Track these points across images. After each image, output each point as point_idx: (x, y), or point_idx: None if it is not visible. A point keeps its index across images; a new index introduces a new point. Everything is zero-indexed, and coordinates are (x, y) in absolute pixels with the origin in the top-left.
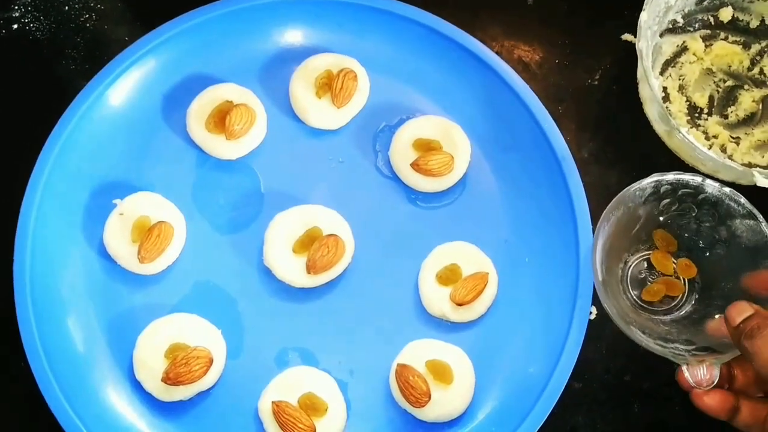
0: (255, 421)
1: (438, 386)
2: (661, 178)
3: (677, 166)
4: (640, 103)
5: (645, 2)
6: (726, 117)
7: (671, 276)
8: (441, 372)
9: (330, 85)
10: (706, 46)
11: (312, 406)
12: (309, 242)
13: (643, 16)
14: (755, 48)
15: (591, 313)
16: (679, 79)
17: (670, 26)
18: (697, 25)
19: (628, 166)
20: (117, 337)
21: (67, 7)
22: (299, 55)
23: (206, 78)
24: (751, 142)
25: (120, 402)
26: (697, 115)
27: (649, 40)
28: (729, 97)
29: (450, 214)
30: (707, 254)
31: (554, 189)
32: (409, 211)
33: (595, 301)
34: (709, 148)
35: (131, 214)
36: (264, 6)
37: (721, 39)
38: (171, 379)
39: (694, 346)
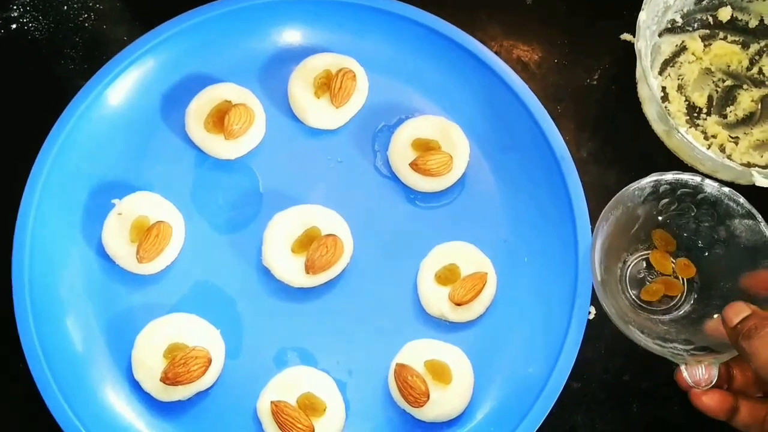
0: (254, 421)
1: (437, 386)
2: (660, 177)
3: (676, 165)
4: (639, 103)
5: (644, 2)
6: (725, 117)
7: (670, 276)
8: (440, 372)
9: (329, 85)
10: (705, 46)
11: (311, 406)
12: (308, 242)
13: (642, 16)
14: (754, 48)
15: (590, 312)
16: (678, 79)
17: (669, 26)
18: (696, 25)
19: (627, 165)
20: (116, 336)
21: (65, 7)
22: (298, 54)
23: (205, 78)
24: (750, 142)
25: (119, 402)
26: (696, 114)
27: (647, 40)
28: (728, 97)
29: (449, 213)
30: (706, 254)
31: (553, 189)
32: (408, 211)
33: (594, 300)
34: (708, 148)
35: (130, 213)
36: (263, 6)
37: (720, 39)
38: (170, 379)
39: (692, 346)
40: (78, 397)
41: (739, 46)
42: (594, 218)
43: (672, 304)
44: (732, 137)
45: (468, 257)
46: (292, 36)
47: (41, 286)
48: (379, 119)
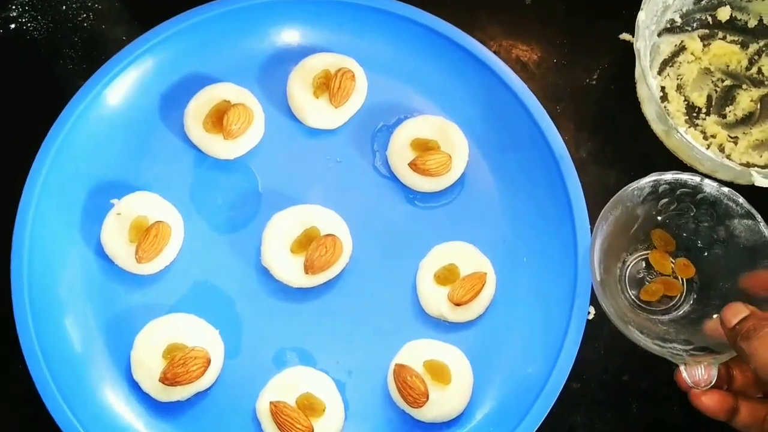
0: (253, 421)
1: (436, 386)
2: (659, 177)
3: (675, 165)
4: (638, 103)
5: (643, 2)
6: (724, 116)
7: (669, 276)
8: (439, 372)
9: (328, 85)
10: (704, 46)
11: (310, 406)
12: (307, 242)
13: (641, 16)
14: (753, 47)
15: (589, 313)
16: (677, 79)
17: (668, 26)
18: (695, 25)
19: (627, 165)
20: (115, 337)
21: (64, 7)
22: (297, 54)
23: (204, 77)
24: (749, 142)
25: (118, 402)
26: (695, 114)
27: (647, 40)
28: (727, 97)
29: (448, 213)
30: (705, 254)
31: (552, 189)
32: (407, 211)
33: (594, 301)
34: (707, 148)
35: (129, 214)
36: (261, 5)
37: (719, 38)
38: (169, 379)
39: (692, 346)
40: (77, 398)
41: (739, 45)
42: (593, 218)
43: (671, 304)
44: (731, 137)
45: (467, 257)
46: (291, 36)
47: (40, 286)
48: (378, 119)
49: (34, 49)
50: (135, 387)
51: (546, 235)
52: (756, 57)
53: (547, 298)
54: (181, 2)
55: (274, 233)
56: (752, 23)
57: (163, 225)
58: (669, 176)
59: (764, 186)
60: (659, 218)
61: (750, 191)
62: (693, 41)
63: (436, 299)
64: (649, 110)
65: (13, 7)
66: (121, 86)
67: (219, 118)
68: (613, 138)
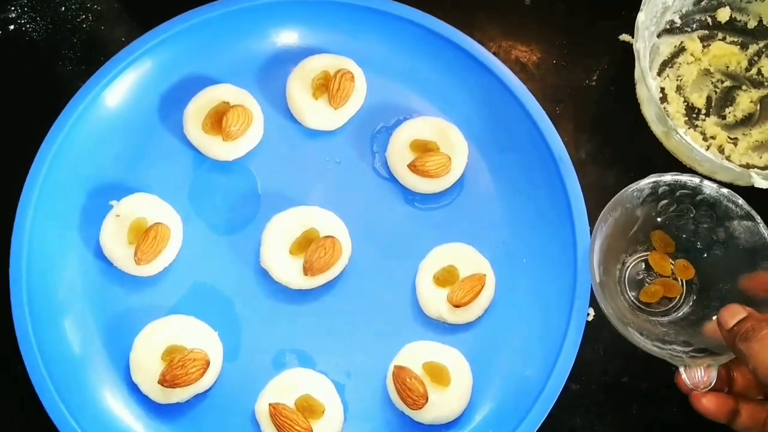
0: (252, 423)
1: (435, 388)
2: (658, 179)
3: (675, 167)
4: (638, 104)
5: (642, 3)
6: (724, 118)
7: (669, 277)
8: (438, 374)
9: (327, 86)
10: (703, 47)
11: (309, 408)
12: (306, 244)
13: (641, 17)
14: (753, 48)
15: (588, 314)
16: (677, 80)
17: (668, 27)
18: (694, 26)
19: (626, 166)
20: (113, 339)
21: (63, 8)
22: (296, 55)
23: (203, 79)
24: (749, 143)
25: (116, 404)
26: (694, 115)
27: (646, 41)
28: (727, 98)
29: (447, 215)
30: (705, 255)
31: (552, 190)
32: (407, 213)
33: (593, 302)
34: (707, 149)
35: (128, 215)
36: (261, 7)
37: (719, 39)
38: (168, 381)
39: (691, 348)
40: (76, 400)
41: (738, 46)
42: (593, 219)
43: (671, 305)
44: (731, 138)
45: (466, 259)
46: (290, 37)
47: (39, 287)
48: (378, 120)
49: (33, 50)
50: (134, 389)
51: (545, 236)
52: (756, 58)
53: (546, 299)
54: (180, 3)
55: (273, 235)
56: (752, 24)
57: (162, 226)
58: (668, 177)
59: (764, 187)
60: (659, 219)
61: (750, 192)
62: (693, 42)
63: (435, 301)
64: (649, 111)
65: (12, 8)
66: (121, 87)
67: (218, 120)
68: (613, 139)
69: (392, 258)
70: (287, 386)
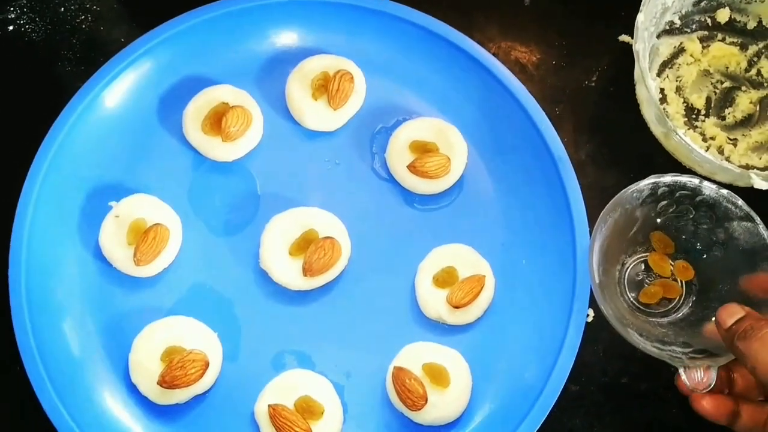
0: (251, 424)
1: (435, 389)
2: (658, 179)
3: (674, 167)
4: (638, 105)
5: (642, 3)
6: (723, 118)
7: (668, 278)
8: (438, 375)
9: (326, 87)
10: (703, 48)
11: (308, 409)
12: (305, 245)
13: (640, 18)
14: (752, 49)
15: (588, 315)
16: (677, 81)
17: (667, 27)
18: (694, 27)
19: (626, 167)
20: (113, 339)
21: (62, 9)
22: (295, 56)
23: (202, 80)
24: (748, 144)
25: (116, 406)
26: (694, 116)
27: (646, 42)
28: (726, 99)
29: (447, 216)
30: (704, 256)
31: (551, 191)
32: (406, 214)
33: (592, 303)
34: (707, 150)
35: (127, 216)
36: (260, 8)
37: (719, 40)
38: (167, 382)
39: (691, 349)
40: (75, 401)
41: (738, 47)
42: (592, 220)
43: (670, 306)
44: (730, 139)
45: (466, 260)
46: (289, 38)
47: (38, 288)
48: (377, 121)
49: (32, 51)
50: (133, 390)
51: (545, 237)
52: (755, 59)
53: (545, 300)
54: (179, 4)
55: (272, 236)
56: (751, 25)
57: (162, 227)
58: (668, 178)
59: (763, 188)
60: (658, 220)
61: (749, 193)
62: (692, 43)
63: (434, 302)
64: (648, 112)
65: (11, 8)
66: (120, 88)
67: (217, 120)
68: (612, 140)
69: (391, 259)
70: (287, 387)
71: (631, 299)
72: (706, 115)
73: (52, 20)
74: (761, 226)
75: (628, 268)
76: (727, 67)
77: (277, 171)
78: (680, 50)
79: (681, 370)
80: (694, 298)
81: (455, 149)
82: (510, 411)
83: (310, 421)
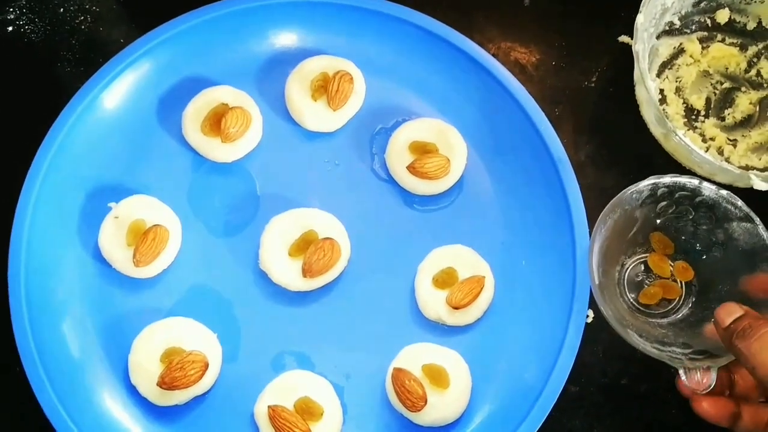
0: (251, 425)
1: (434, 390)
2: (657, 180)
3: (674, 168)
4: (637, 106)
5: (641, 4)
6: (723, 119)
7: (668, 279)
8: (437, 376)
9: (326, 88)
10: (702, 48)
11: (308, 410)
12: (305, 246)
13: (640, 18)
14: (752, 50)
15: (588, 316)
16: (676, 81)
17: (667, 28)
18: (693, 27)
19: (625, 168)
20: (112, 341)
21: (62, 9)
22: (295, 57)
23: (202, 80)
24: (748, 145)
25: (115, 407)
26: (694, 117)
27: (645, 42)
28: (726, 99)
29: (446, 217)
30: (704, 257)
31: (551, 191)
32: (406, 214)
33: (592, 304)
34: (706, 151)
35: (126, 217)
36: (259, 8)
37: (718, 41)
38: (166, 383)
39: (691, 350)
40: (74, 402)
41: (737, 48)
42: (592, 221)
43: (670, 307)
44: (730, 140)
45: (465, 261)
46: (288, 38)
47: (37, 289)
48: (377, 122)
49: (31, 52)
50: (133, 391)
51: (544, 238)
52: (755, 59)
53: (545, 301)
54: (179, 5)
55: (272, 236)
56: (751, 26)
57: (161, 228)
58: (667, 179)
59: (763, 189)
60: (658, 221)
61: (749, 194)
62: (692, 44)
63: (434, 303)
64: (648, 113)
65: (11, 9)
66: (119, 89)
67: (217, 121)
68: (612, 141)
69: (391, 260)
70: (286, 388)
71: (631, 300)
72: (706, 116)
73: (51, 21)
74: (761, 227)
75: (627, 268)
76: (727, 68)
77: (276, 172)
78: (680, 51)
79: (681, 371)
80: (693, 299)
81: (455, 150)
82: (510, 412)
83: (309, 422)
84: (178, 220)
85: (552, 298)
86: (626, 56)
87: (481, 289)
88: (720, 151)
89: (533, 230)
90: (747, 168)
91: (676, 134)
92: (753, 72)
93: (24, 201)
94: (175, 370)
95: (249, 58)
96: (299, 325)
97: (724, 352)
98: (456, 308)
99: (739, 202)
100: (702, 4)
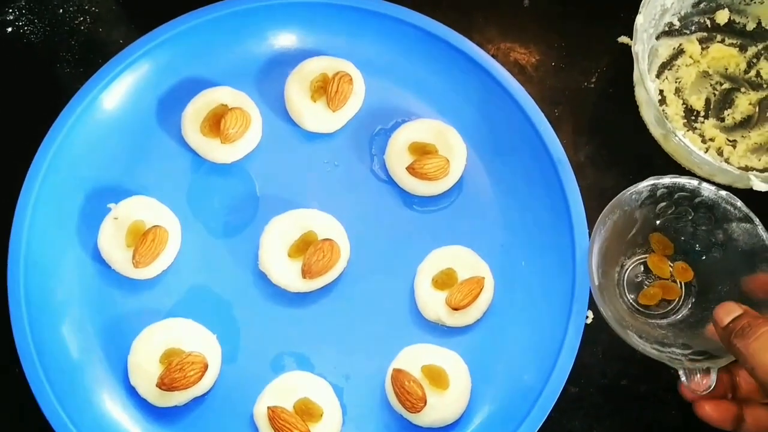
0: (250, 426)
1: (434, 391)
2: (657, 181)
3: (674, 169)
4: (637, 106)
5: (641, 5)
6: (722, 120)
7: (668, 279)
8: (437, 377)
9: (325, 89)
10: (702, 49)
11: (307, 411)
12: (304, 247)
13: (639, 19)
14: (752, 50)
15: (587, 317)
16: (676, 82)
17: (667, 29)
18: (693, 28)
19: (625, 169)
20: (111, 342)
21: (61, 10)
22: (294, 58)
23: (201, 81)
24: (747, 145)
25: (114, 408)
26: (693, 118)
27: (645, 43)
28: (725, 100)
29: (446, 217)
30: (704, 257)
31: (550, 192)
32: (405, 215)
33: (592, 305)
34: (706, 152)
35: (126, 218)
36: (259, 9)
37: (718, 41)
38: (166, 384)
39: (690, 351)
40: (74, 403)
41: (737, 49)
42: (591, 222)
43: (670, 308)
44: (730, 140)
45: (465, 261)
46: (288, 39)
47: (37, 290)
48: (376, 123)
49: (31, 53)
50: (132, 392)
51: (544, 239)
52: (754, 60)
53: (545, 302)
54: (178, 6)
55: (271, 237)
56: (751, 26)
57: (161, 229)
58: (667, 180)
59: (762, 190)
60: (657, 222)
61: (748, 194)
62: (691, 44)
63: (434, 304)
64: (648, 113)
65: (10, 10)
66: (119, 90)
67: (216, 122)
68: (611, 141)
69: (390, 261)
70: (286, 389)
71: (631, 301)
72: (705, 117)
73: (50, 22)
74: (760, 228)
75: (627, 269)
76: (727, 69)
77: (276, 173)
78: (679, 52)
79: (681, 372)
80: (693, 300)
81: (454, 151)
82: (509, 413)
83: (309, 423)
84: (177, 221)
85: (551, 299)
86: (626, 57)
87: (481, 290)
88: (719, 152)
89: (533, 231)
90: (746, 169)
91: (676, 135)
92: (752, 73)
93: (23, 202)
94: (175, 371)
95: (248, 59)
96: (299, 326)
97: (724, 352)
98: (455, 309)
99: (739, 203)
100: (701, 5)
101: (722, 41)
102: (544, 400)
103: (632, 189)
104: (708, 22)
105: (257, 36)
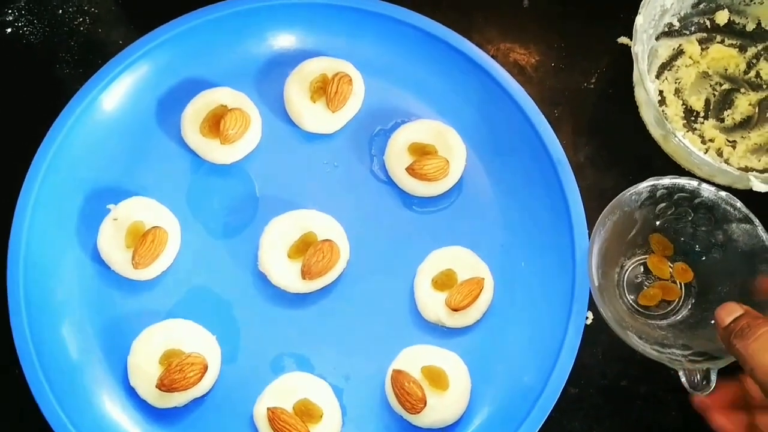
0: (250, 427)
1: (434, 392)
2: (657, 182)
3: (673, 169)
4: (636, 107)
5: (641, 5)
6: (722, 120)
7: (668, 280)
8: (436, 378)
9: (325, 89)
10: (702, 50)
11: (307, 412)
12: (304, 247)
13: (639, 20)
14: (751, 51)
15: (587, 318)
16: (675, 83)
17: (666, 29)
18: (693, 29)
19: (625, 170)
20: (111, 343)
21: (61, 11)
22: (294, 58)
23: (201, 82)
24: (747, 146)
25: (114, 409)
26: (693, 118)
27: (644, 44)
28: (725, 101)
29: (445, 218)
30: (703, 258)
31: (550, 193)
32: (405, 216)
33: (591, 305)
34: (706, 152)
35: (125, 219)
36: (259, 10)
37: (717, 42)
38: (165, 385)
39: (690, 351)
40: (73, 404)
41: (737, 49)
42: (591, 223)
43: (670, 308)
44: (729, 141)
45: (465, 262)
46: (287, 40)
47: (36, 291)
48: (376, 123)
49: (30, 53)
50: (132, 393)
51: (544, 239)
52: (754, 61)
53: (545, 303)
54: (178, 6)
55: (271, 238)
56: (750, 27)
57: (160, 230)
58: (667, 181)
59: (762, 191)
60: (657, 223)
61: (748, 195)
62: (691, 45)
63: (433, 304)
64: (647, 114)
65: (9, 11)
66: (118, 90)
67: (216, 123)
68: (611, 142)
69: (390, 261)
70: (285, 390)
71: (630, 302)
72: (705, 117)
73: (50, 22)
74: (760, 228)
75: (627, 270)
76: (726, 69)
77: (275, 173)
78: (679, 52)
79: (680, 373)
80: (693, 301)
81: (454, 151)
82: (509, 413)
83: (309, 424)
84: (177, 222)
85: (551, 300)
86: (625, 57)
87: (481, 290)
88: (719, 153)
89: (532, 232)
90: (746, 169)
91: (676, 136)
92: (752, 73)
93: (23, 202)
94: (174, 372)
95: (248, 60)
96: (298, 326)
97: (723, 353)
98: (455, 310)
99: (739, 204)
100: (701, 6)
101: (722, 42)
102: (544, 400)
103: (632, 190)
104: (708, 23)
105: (257, 36)
